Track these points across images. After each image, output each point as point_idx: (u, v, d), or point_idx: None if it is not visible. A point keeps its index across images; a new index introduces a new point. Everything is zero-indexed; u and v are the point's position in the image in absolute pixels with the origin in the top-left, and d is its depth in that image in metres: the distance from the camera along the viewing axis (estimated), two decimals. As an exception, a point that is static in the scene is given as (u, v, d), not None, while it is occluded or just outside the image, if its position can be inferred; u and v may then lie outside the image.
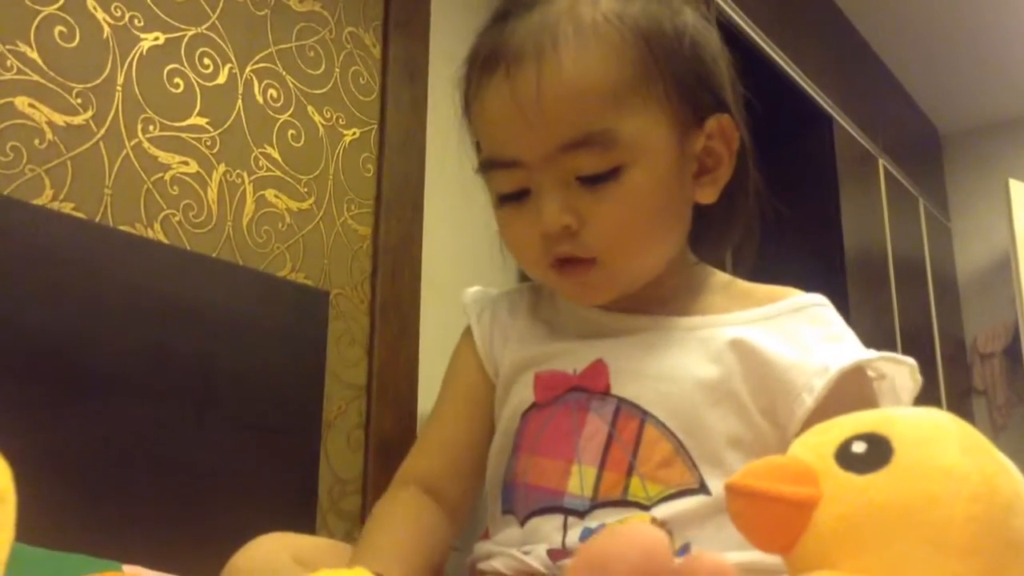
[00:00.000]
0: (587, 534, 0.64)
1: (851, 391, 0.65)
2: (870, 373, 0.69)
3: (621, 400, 0.67)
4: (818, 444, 0.46)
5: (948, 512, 0.42)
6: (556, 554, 0.64)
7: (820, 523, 0.44)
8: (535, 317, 0.78)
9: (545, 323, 0.76)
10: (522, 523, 0.68)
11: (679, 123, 0.68)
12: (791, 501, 0.44)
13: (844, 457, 0.45)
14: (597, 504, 0.65)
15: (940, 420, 0.46)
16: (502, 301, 0.81)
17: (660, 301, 0.72)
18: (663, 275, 0.72)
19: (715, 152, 0.71)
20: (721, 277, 0.77)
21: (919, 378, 0.69)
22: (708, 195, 0.71)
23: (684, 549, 0.62)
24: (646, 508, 0.64)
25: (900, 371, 0.69)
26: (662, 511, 0.63)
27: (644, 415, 0.66)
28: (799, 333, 0.68)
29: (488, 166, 0.70)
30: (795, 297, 0.72)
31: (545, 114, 0.64)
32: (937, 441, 0.44)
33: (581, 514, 0.65)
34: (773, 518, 0.45)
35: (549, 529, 0.66)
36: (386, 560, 0.65)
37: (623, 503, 0.65)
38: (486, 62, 0.68)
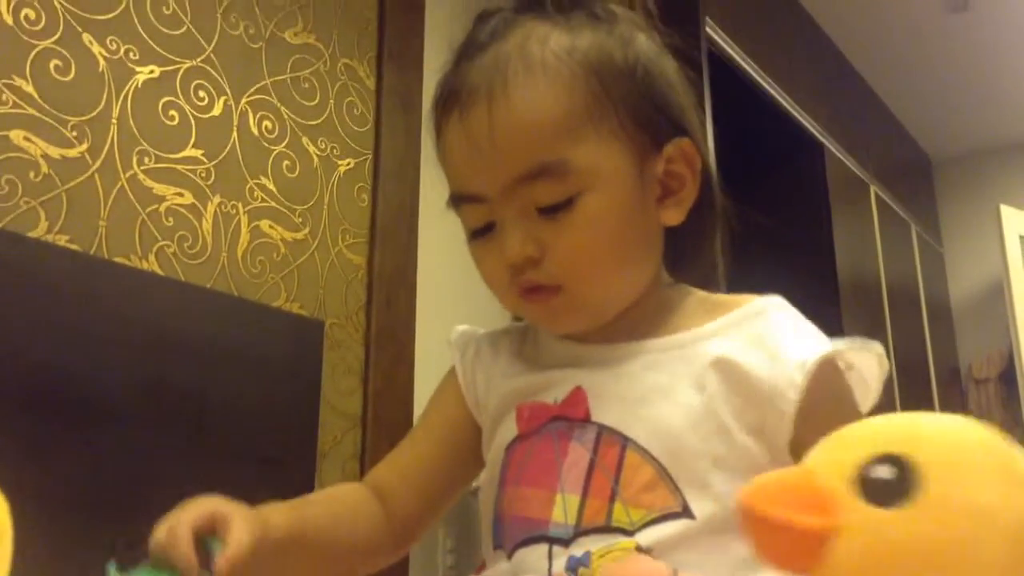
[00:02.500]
0: (573, 562, 0.64)
1: (827, 385, 0.66)
2: (840, 365, 0.70)
3: (602, 427, 0.68)
4: (837, 462, 0.43)
5: (980, 556, 0.39)
6: None
7: (840, 556, 0.41)
8: (517, 355, 0.79)
9: (526, 360, 0.78)
10: (509, 555, 0.68)
11: (636, 149, 0.69)
12: (805, 532, 0.42)
13: (866, 483, 0.42)
14: (581, 531, 0.65)
15: (973, 440, 0.43)
16: (486, 340, 0.82)
17: (636, 328, 0.73)
18: (639, 302, 0.73)
19: (677, 175, 0.72)
20: (696, 295, 0.77)
21: (887, 364, 0.70)
22: (673, 216, 0.72)
23: None
24: (630, 534, 0.64)
25: (868, 360, 0.70)
26: (646, 536, 0.63)
27: (625, 440, 0.66)
28: (766, 336, 0.68)
29: (454, 201, 0.72)
30: (754, 301, 0.72)
31: (498, 149, 0.66)
32: (970, 470, 0.41)
33: (566, 542, 0.65)
34: (786, 545, 0.43)
35: (535, 559, 0.66)
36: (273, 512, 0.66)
37: (607, 529, 0.64)
38: (444, 104, 0.71)
